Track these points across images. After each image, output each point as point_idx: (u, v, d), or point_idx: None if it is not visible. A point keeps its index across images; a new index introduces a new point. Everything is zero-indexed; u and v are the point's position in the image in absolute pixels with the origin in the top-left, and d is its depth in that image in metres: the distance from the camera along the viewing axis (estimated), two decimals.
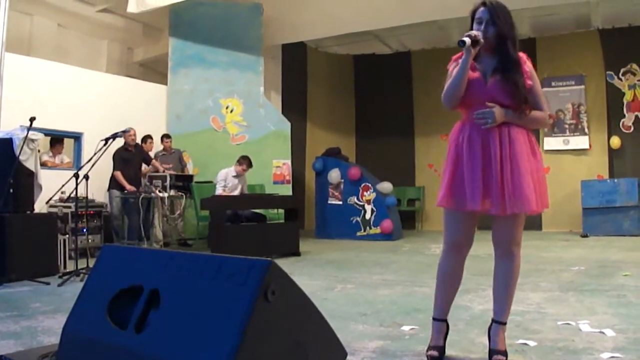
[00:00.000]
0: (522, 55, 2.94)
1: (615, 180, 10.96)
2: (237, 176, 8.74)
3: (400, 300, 4.65)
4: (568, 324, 3.68)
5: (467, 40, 2.80)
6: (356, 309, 4.35)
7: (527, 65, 2.92)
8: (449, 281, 3.04)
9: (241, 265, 1.65)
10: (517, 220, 2.89)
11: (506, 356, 2.84)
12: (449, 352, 3.05)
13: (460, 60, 2.90)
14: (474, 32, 2.86)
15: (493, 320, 2.96)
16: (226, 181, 8.63)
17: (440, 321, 3.05)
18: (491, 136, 2.85)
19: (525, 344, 3.21)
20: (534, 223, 12.33)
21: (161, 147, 10.01)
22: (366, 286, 5.45)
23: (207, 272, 1.71)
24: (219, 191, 8.55)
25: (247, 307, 1.54)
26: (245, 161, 8.76)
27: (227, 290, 1.62)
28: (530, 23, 12.13)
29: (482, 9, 2.92)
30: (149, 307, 1.79)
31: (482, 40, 2.85)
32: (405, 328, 3.66)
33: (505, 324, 2.94)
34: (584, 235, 10.63)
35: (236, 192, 8.68)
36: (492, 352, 2.86)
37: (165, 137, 9.98)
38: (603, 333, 3.40)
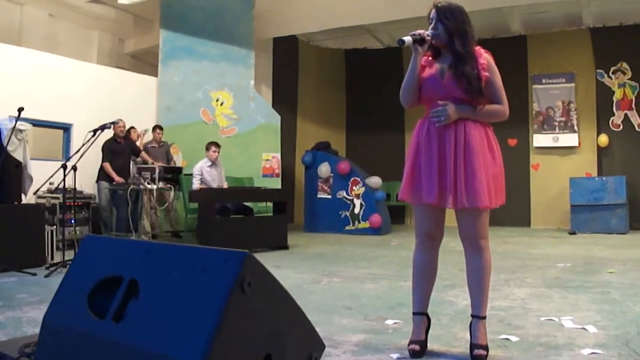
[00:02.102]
0: (478, 49, 2.99)
1: (604, 178, 11.02)
2: (212, 165, 8.67)
3: (385, 295, 4.67)
4: (551, 319, 3.70)
5: (408, 39, 2.90)
6: (341, 302, 4.36)
7: (484, 58, 2.97)
8: (425, 274, 3.08)
9: (218, 257, 1.66)
10: (478, 214, 2.92)
11: (487, 350, 2.85)
12: (431, 346, 3.06)
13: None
14: (418, 31, 2.95)
15: (472, 316, 2.98)
16: (202, 174, 8.56)
17: (421, 315, 3.07)
18: (447, 132, 2.93)
19: (508, 339, 3.22)
20: (523, 220, 12.43)
21: (149, 138, 9.98)
22: (352, 280, 5.46)
23: (185, 263, 1.72)
24: (195, 185, 8.46)
25: (223, 298, 1.55)
26: (212, 145, 8.70)
27: (204, 282, 1.64)
28: (521, 20, 12.19)
29: (433, 10, 3.01)
30: (128, 297, 1.81)
31: (427, 37, 2.93)
32: (389, 322, 3.67)
33: (484, 317, 2.95)
34: (572, 233, 10.69)
35: (215, 185, 8.63)
36: (473, 347, 2.87)
37: (158, 128, 9.93)
38: (585, 329, 3.42)
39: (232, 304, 1.57)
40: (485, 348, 2.86)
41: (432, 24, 2.99)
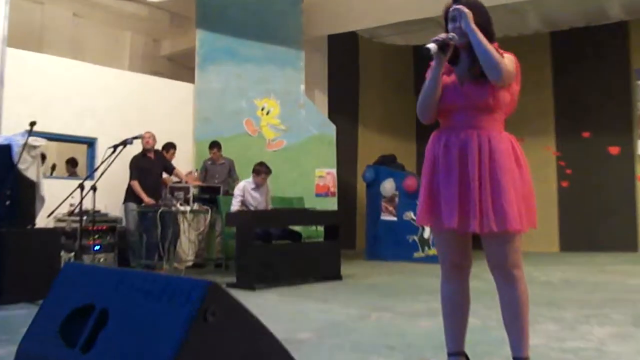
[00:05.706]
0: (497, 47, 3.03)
1: None
2: (256, 188, 8.74)
3: (437, 333, 4.60)
4: None
5: (433, 46, 2.93)
6: (385, 341, 4.41)
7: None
8: (454, 308, 3.13)
9: (183, 286, 1.85)
10: (509, 239, 2.94)
11: None
12: None
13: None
14: (442, 35, 2.98)
15: (513, 358, 2.99)
16: (244, 196, 8.65)
17: (456, 355, 3.10)
18: (469, 146, 2.93)
19: None
20: (629, 243, 12.11)
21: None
22: (405, 315, 5.51)
23: (154, 292, 1.91)
24: (234, 207, 8.54)
25: (184, 328, 1.73)
26: (262, 168, 8.70)
27: (169, 311, 1.83)
28: (621, 4, 11.92)
29: (454, 6, 3.03)
30: (98, 326, 2.01)
31: (452, 42, 2.96)
32: None
33: (526, 359, 2.96)
34: None
35: (259, 208, 8.72)
36: None
37: (214, 145, 10.03)
38: None
39: (193, 333, 1.73)
40: None
41: (457, 22, 3.00)
